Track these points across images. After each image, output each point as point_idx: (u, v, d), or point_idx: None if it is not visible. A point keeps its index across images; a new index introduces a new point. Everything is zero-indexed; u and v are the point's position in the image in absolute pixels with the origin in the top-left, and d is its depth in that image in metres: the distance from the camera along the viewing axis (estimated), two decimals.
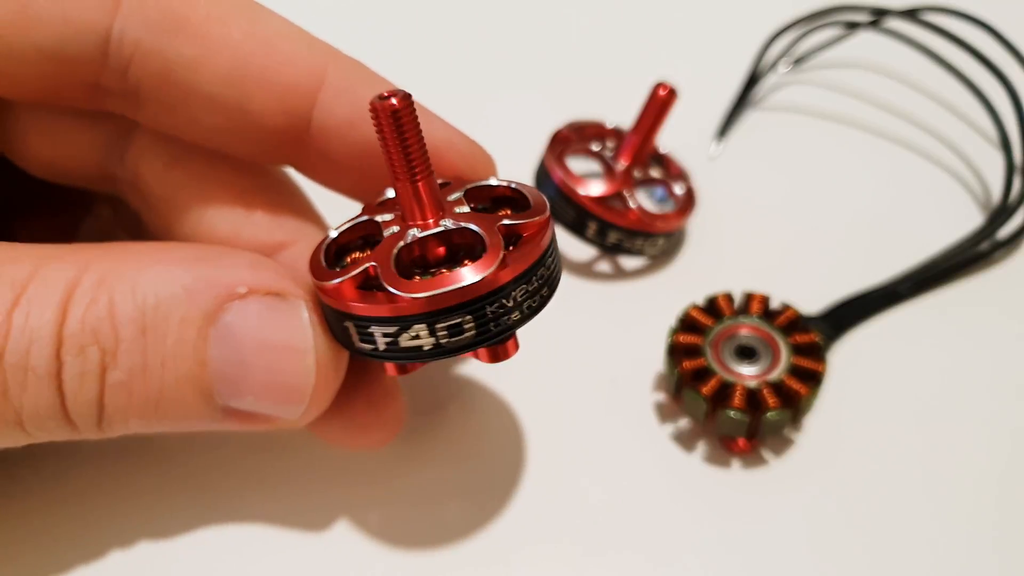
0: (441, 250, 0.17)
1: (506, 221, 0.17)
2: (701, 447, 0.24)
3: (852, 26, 0.35)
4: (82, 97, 0.18)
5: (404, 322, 0.16)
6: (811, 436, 0.24)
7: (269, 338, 0.17)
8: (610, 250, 0.28)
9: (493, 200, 0.19)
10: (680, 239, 0.30)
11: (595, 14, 0.40)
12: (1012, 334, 0.26)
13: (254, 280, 0.17)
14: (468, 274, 0.16)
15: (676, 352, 0.23)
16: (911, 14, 0.33)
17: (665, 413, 0.24)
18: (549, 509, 0.22)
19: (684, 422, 0.24)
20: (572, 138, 0.29)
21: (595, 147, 0.30)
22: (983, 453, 0.23)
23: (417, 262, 0.17)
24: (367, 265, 0.17)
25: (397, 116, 0.16)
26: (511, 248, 0.17)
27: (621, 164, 0.28)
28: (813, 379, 0.22)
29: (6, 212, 0.23)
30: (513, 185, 0.19)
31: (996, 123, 0.32)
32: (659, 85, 0.28)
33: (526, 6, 0.40)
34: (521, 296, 0.17)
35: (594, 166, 0.29)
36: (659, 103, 0.28)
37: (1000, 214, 0.29)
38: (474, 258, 0.16)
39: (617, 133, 0.30)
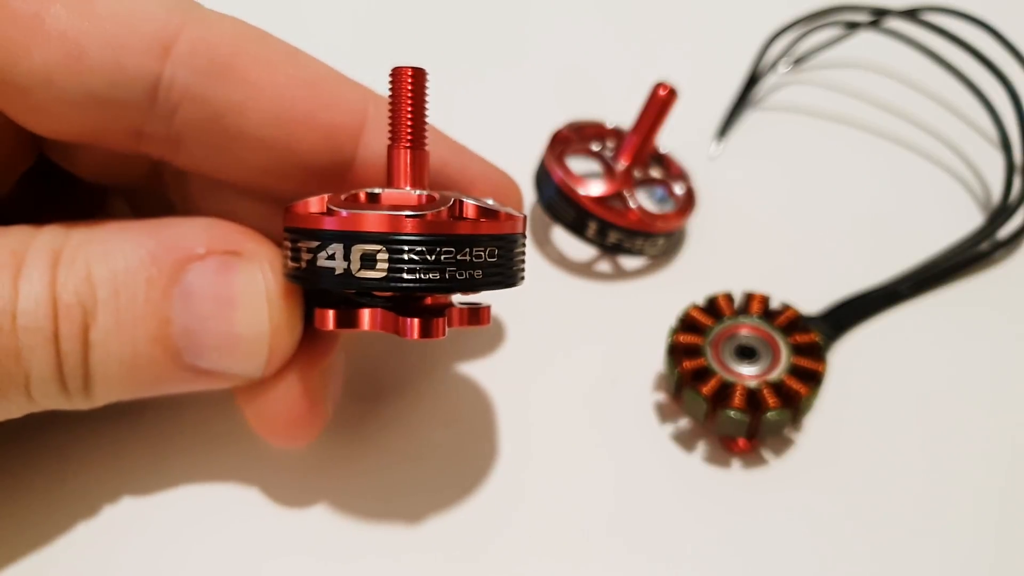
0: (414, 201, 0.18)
1: (470, 200, 0.18)
2: (701, 447, 0.24)
3: (852, 26, 0.35)
4: (124, 142, 0.19)
5: (322, 237, 0.17)
6: (811, 436, 0.24)
7: (225, 294, 0.19)
8: (610, 250, 0.28)
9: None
10: (680, 239, 0.30)
11: (595, 14, 0.40)
12: (1012, 334, 0.26)
13: (211, 240, 0.19)
14: (392, 209, 0.17)
15: (676, 352, 0.23)
16: (911, 14, 0.33)
17: (665, 413, 0.24)
18: (549, 509, 0.22)
19: (684, 422, 0.24)
20: (572, 138, 0.29)
21: (595, 147, 0.30)
22: (983, 453, 0.23)
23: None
24: (367, 189, 0.18)
25: (412, 77, 0.18)
26: (478, 218, 0.17)
27: (621, 164, 0.28)
28: (813, 379, 0.22)
29: (35, 210, 0.23)
30: (509, 210, 0.19)
31: (996, 123, 0.32)
32: (659, 85, 0.28)
33: (526, 6, 0.40)
34: (446, 257, 0.17)
35: (594, 166, 0.29)
36: (659, 103, 0.28)
37: (1000, 214, 0.29)
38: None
39: (617, 133, 0.30)
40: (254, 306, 0.19)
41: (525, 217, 0.19)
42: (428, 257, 0.17)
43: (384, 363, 0.26)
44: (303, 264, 0.17)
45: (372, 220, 0.17)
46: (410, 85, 0.19)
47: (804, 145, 0.33)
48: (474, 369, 0.25)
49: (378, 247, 0.16)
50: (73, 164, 0.21)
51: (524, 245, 0.19)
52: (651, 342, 0.25)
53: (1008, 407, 0.24)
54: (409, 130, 0.19)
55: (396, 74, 0.19)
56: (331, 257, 0.17)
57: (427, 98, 0.19)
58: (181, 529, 0.22)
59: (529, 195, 0.29)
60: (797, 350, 0.23)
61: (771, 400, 0.22)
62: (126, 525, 0.22)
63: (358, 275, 0.17)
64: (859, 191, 0.31)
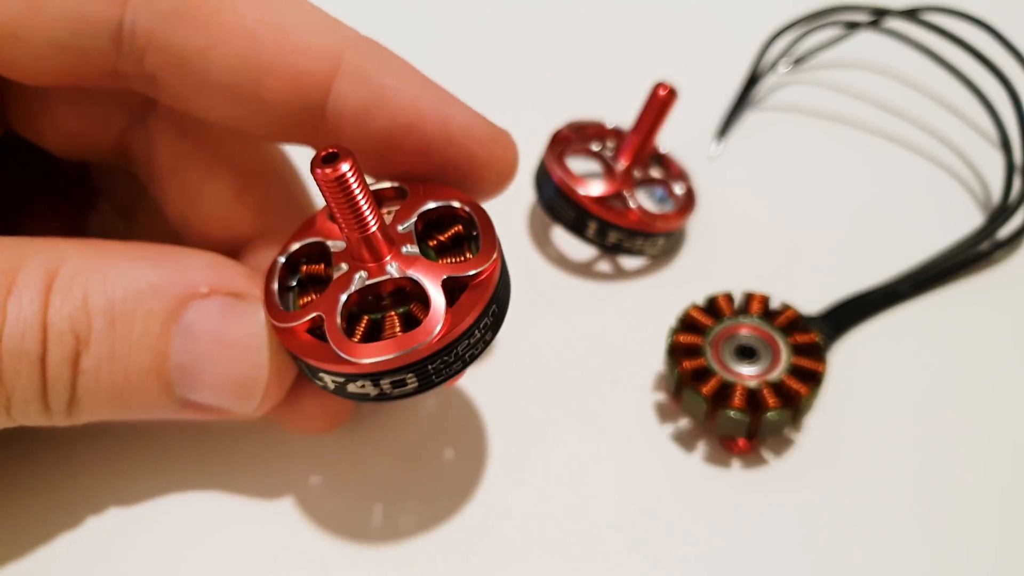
0: (390, 287, 0.18)
1: (452, 275, 0.17)
2: (701, 447, 0.24)
3: (852, 26, 0.35)
4: (104, 81, 0.19)
5: (350, 377, 0.17)
6: (811, 436, 0.24)
7: (226, 335, 0.18)
8: (610, 250, 0.28)
9: (448, 217, 0.19)
10: (680, 239, 0.30)
11: (595, 14, 0.40)
12: (1012, 334, 0.26)
13: (215, 280, 0.18)
14: (408, 341, 0.17)
15: (676, 352, 0.23)
16: (911, 14, 0.33)
17: (665, 413, 0.24)
18: (549, 508, 0.22)
19: (684, 422, 0.24)
20: (572, 138, 0.29)
21: (595, 147, 0.30)
22: (983, 453, 0.23)
23: (368, 297, 0.18)
24: (315, 314, 0.17)
25: (340, 182, 0.16)
26: (459, 296, 0.17)
27: (621, 164, 0.28)
28: (813, 379, 0.22)
29: (11, 208, 0.23)
30: (466, 208, 0.19)
31: (996, 123, 0.31)
32: (659, 85, 0.28)
33: (526, 6, 0.40)
34: (463, 349, 0.17)
35: (594, 166, 0.29)
36: (659, 103, 0.28)
37: (1000, 214, 0.29)
38: (421, 300, 0.17)
39: (617, 133, 0.30)
40: (255, 351, 0.19)
41: (498, 241, 0.18)
42: (447, 359, 0.17)
43: None
44: (330, 386, 0.18)
45: (390, 362, 0.17)
46: (345, 187, 0.16)
47: (804, 145, 0.33)
48: (473, 369, 0.25)
49: (406, 374, 0.17)
50: (41, 138, 0.21)
51: (504, 269, 0.19)
52: (651, 342, 0.25)
53: (1008, 407, 0.24)
54: (362, 222, 0.17)
55: (319, 180, 0.16)
56: (362, 387, 0.17)
57: (364, 179, 0.17)
58: (175, 533, 0.22)
59: (529, 195, 0.29)
60: (797, 350, 0.23)
61: (771, 400, 0.22)
62: (120, 528, 0.22)
63: (393, 393, 0.17)
64: (859, 191, 0.31)
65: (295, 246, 0.19)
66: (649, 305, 0.27)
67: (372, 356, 0.16)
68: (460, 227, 0.19)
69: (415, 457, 0.23)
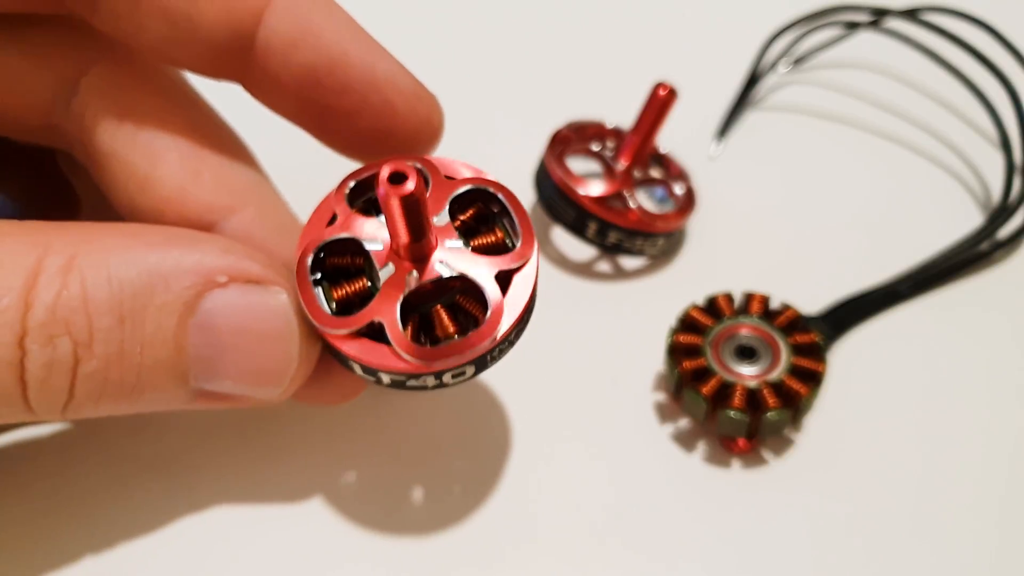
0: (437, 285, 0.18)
1: (501, 267, 0.18)
2: (701, 447, 0.24)
3: (852, 26, 0.35)
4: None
5: (412, 375, 0.17)
6: (811, 436, 0.24)
7: (250, 326, 0.17)
8: (610, 250, 0.28)
9: (481, 215, 0.19)
10: (680, 239, 0.30)
11: (595, 14, 0.40)
12: (1012, 334, 0.26)
13: (232, 266, 0.17)
14: (474, 341, 0.17)
15: (676, 352, 0.23)
16: (911, 14, 0.33)
17: (665, 413, 0.24)
18: (548, 508, 0.22)
19: (684, 422, 0.24)
20: (572, 138, 0.29)
21: (595, 147, 0.30)
22: (983, 453, 0.23)
23: (415, 298, 0.18)
24: (375, 320, 0.17)
25: (410, 201, 0.16)
26: (506, 290, 0.17)
27: (621, 164, 0.28)
28: (813, 379, 0.22)
29: None
30: (496, 193, 0.19)
31: (996, 123, 0.31)
32: (659, 85, 0.28)
33: (526, 6, 0.40)
34: (515, 335, 0.18)
35: (594, 166, 0.29)
36: (659, 103, 0.28)
37: (1000, 214, 0.29)
38: (467, 293, 0.18)
39: (617, 133, 0.30)
40: (283, 339, 0.18)
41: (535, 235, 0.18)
42: (503, 347, 0.18)
43: None
44: (385, 381, 0.18)
45: (457, 361, 0.17)
46: (413, 207, 0.16)
47: (804, 145, 0.33)
48: None
49: (468, 366, 0.17)
50: None
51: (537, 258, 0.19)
52: (651, 342, 0.25)
53: (1008, 407, 0.24)
54: (421, 235, 0.17)
55: (388, 198, 0.16)
56: (422, 382, 0.18)
57: (426, 199, 0.16)
58: (193, 532, 0.22)
59: (529, 195, 0.29)
60: (797, 350, 0.23)
61: (771, 400, 0.22)
62: (127, 518, 0.22)
63: (451, 383, 0.18)
64: (859, 191, 0.31)
65: (324, 243, 0.18)
66: (649, 305, 0.27)
67: (437, 359, 0.17)
68: (480, 205, 0.19)
69: (415, 457, 0.23)
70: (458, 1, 0.40)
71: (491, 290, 0.17)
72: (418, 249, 0.17)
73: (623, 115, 0.30)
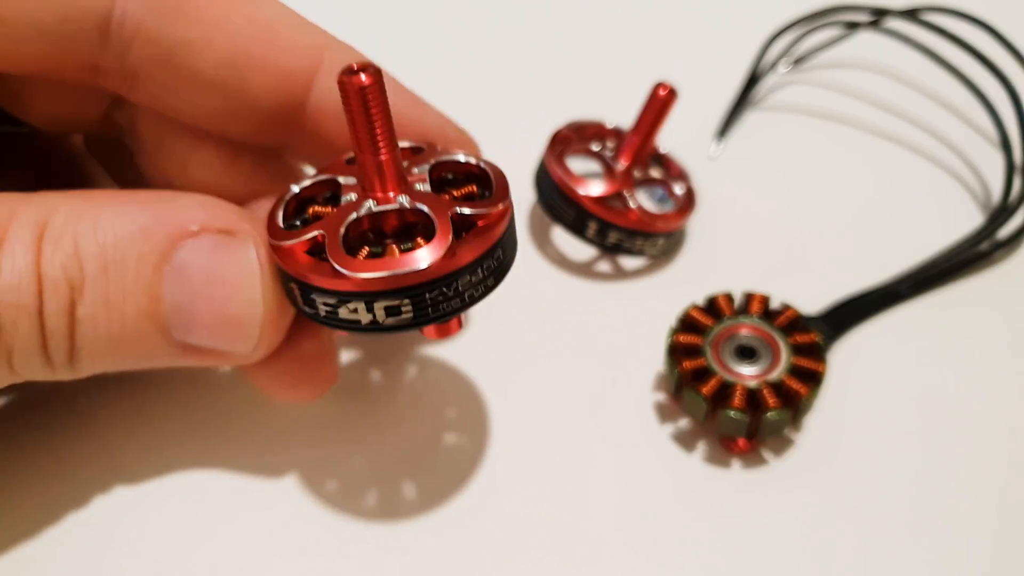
0: (395, 222, 0.18)
1: (461, 209, 0.17)
2: (701, 447, 0.24)
3: (852, 26, 0.35)
4: (80, 75, 0.19)
5: (343, 296, 0.17)
6: (811, 436, 0.24)
7: (219, 273, 0.18)
8: (610, 250, 0.28)
9: (462, 176, 0.19)
10: (680, 239, 0.30)
11: (595, 14, 0.40)
12: (1012, 334, 0.26)
13: (206, 218, 0.18)
14: (410, 261, 0.16)
15: (676, 352, 0.23)
16: (911, 14, 0.33)
17: (665, 413, 0.24)
18: (548, 508, 0.22)
19: (684, 422, 0.24)
20: (572, 138, 0.29)
21: (595, 147, 0.30)
22: (983, 453, 0.23)
23: (371, 231, 0.18)
24: (316, 232, 0.17)
25: (364, 93, 0.16)
26: (463, 235, 0.17)
27: (621, 164, 0.28)
28: (813, 379, 0.22)
29: None
30: (481, 164, 0.19)
31: (996, 123, 0.32)
32: (659, 85, 0.28)
33: (526, 6, 0.40)
34: (464, 286, 0.17)
35: (594, 166, 0.29)
36: (659, 103, 0.28)
37: (1000, 214, 0.29)
38: (427, 237, 0.17)
39: (617, 133, 0.30)
40: (248, 287, 0.18)
41: (509, 191, 0.18)
42: (446, 291, 0.17)
43: (382, 363, 0.26)
44: (321, 312, 0.17)
45: (388, 280, 0.16)
46: (366, 100, 0.17)
47: (804, 145, 0.33)
48: (474, 369, 0.25)
49: (401, 299, 0.17)
50: (24, 111, 0.21)
51: (512, 221, 0.18)
52: (651, 342, 0.25)
53: (1008, 407, 0.24)
54: (377, 141, 0.17)
55: (345, 87, 0.16)
56: (354, 311, 0.17)
57: (386, 98, 0.17)
58: (169, 515, 0.22)
59: (529, 195, 0.29)
60: (797, 350, 0.23)
61: (771, 400, 0.22)
62: (119, 513, 0.22)
63: (385, 323, 0.17)
64: (859, 191, 0.31)
65: (307, 182, 0.19)
66: (649, 305, 0.27)
67: (369, 271, 0.16)
68: (475, 186, 0.19)
69: (413, 458, 0.23)
70: (458, 2, 0.40)
71: (441, 223, 0.17)
72: (381, 176, 0.17)
73: (623, 115, 0.30)
